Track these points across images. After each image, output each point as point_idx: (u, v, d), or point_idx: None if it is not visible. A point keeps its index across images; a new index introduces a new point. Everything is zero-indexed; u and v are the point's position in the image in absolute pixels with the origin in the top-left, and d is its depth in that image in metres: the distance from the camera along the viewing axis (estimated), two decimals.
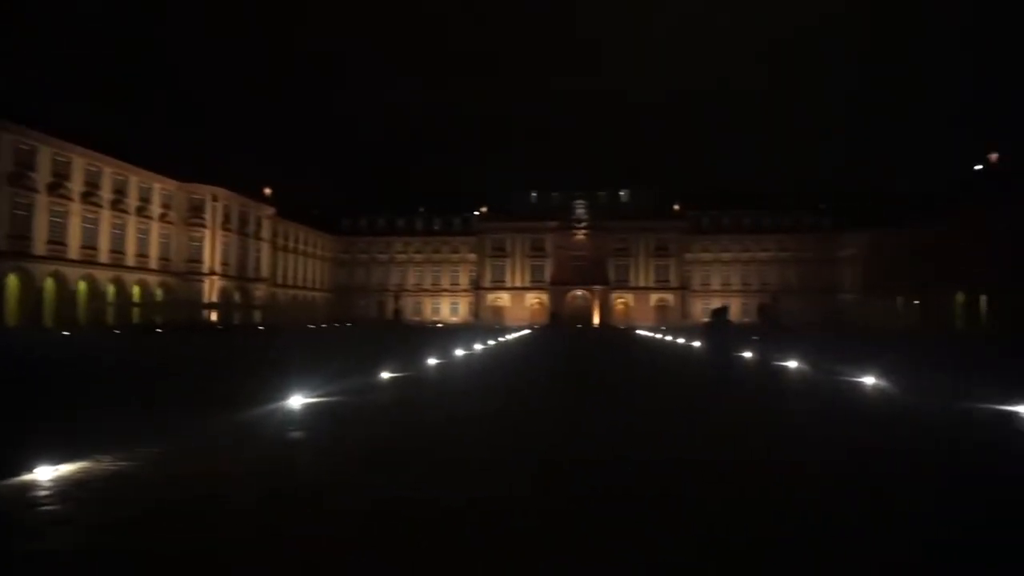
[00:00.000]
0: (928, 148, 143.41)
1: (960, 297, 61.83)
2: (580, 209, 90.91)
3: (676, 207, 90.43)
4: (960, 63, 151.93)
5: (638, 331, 61.83)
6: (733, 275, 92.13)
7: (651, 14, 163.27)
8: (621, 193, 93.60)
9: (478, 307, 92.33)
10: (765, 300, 60.72)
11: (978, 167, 62.89)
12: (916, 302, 68.85)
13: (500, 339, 38.82)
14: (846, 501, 5.40)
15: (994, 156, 61.43)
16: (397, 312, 74.02)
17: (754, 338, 14.71)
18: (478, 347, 28.51)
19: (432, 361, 19.56)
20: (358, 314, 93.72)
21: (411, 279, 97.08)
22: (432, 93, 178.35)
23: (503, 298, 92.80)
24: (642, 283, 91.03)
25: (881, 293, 75.50)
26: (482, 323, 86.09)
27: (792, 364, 18.38)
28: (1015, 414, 9.70)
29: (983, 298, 58.59)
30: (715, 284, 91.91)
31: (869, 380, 13.98)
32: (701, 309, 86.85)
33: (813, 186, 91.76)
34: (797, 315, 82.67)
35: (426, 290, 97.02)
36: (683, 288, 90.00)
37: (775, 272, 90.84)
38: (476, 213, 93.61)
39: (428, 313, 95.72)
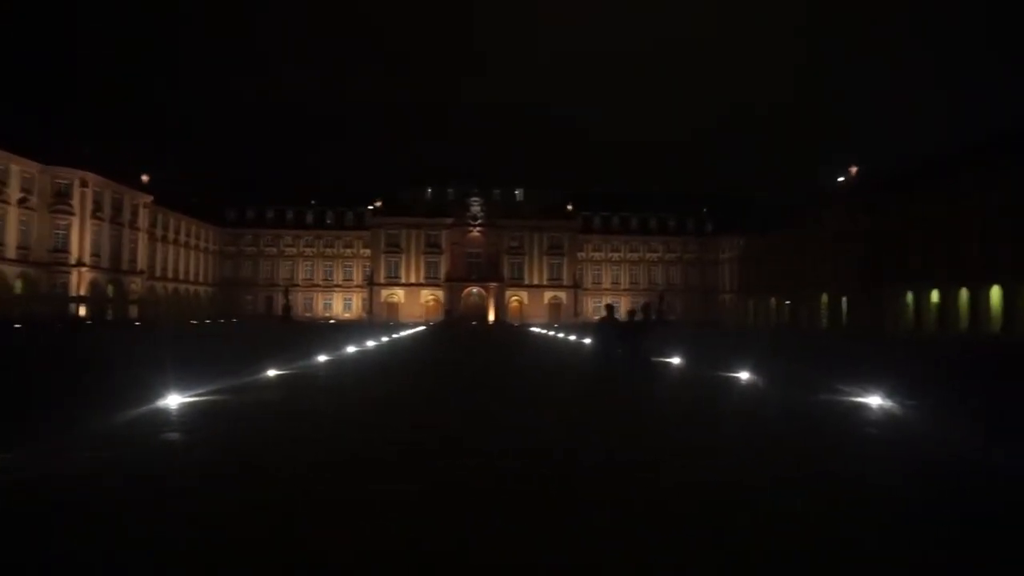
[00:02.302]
0: (801, 158, 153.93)
1: (824, 298, 66.93)
2: (476, 207, 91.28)
3: (569, 207, 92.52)
4: (839, 79, 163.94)
5: (532, 328, 62.84)
6: (622, 274, 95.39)
7: (537, 24, 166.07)
8: (516, 192, 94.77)
9: (372, 303, 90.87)
10: (648, 300, 63.50)
11: (840, 179, 68.20)
12: (787, 302, 73.87)
13: (394, 336, 38.42)
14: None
15: (854, 169, 66.85)
16: (286, 308, 71.56)
17: (636, 335, 15.42)
18: (370, 344, 28.12)
19: (322, 358, 19.13)
20: (245, 310, 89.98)
21: (301, 274, 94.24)
22: (328, 83, 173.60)
23: (398, 294, 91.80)
24: (536, 281, 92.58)
25: (756, 294, 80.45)
26: (376, 320, 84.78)
27: (672, 360, 19.34)
28: (862, 405, 10.67)
29: (844, 299, 63.77)
30: (606, 283, 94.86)
31: (738, 375, 14.97)
32: (592, 307, 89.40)
33: (696, 192, 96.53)
34: (681, 313, 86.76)
35: (317, 285, 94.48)
36: (575, 286, 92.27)
37: (661, 272, 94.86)
38: (370, 207, 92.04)
39: (320, 309, 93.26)
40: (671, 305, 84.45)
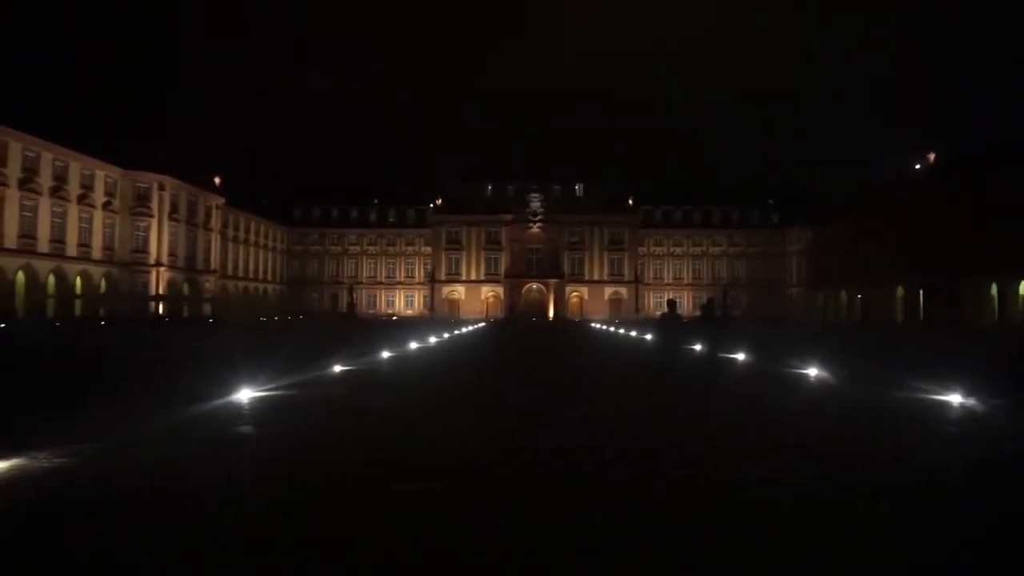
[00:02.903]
0: (872, 145, 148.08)
1: (899, 291, 64.18)
2: (535, 202, 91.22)
3: (629, 202, 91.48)
4: (905, 64, 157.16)
5: (592, 324, 62.47)
6: (684, 269, 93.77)
7: (598, 8, 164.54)
8: (576, 187, 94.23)
9: (433, 300, 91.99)
10: (713, 295, 62.27)
11: (917, 166, 65.16)
12: (859, 296, 71.19)
13: (455, 332, 38.79)
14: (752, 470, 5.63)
15: (932, 156, 63.73)
16: (351, 305, 73.17)
17: (702, 331, 15.14)
18: (432, 340, 28.47)
19: (385, 354, 19.47)
20: (311, 307, 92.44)
21: (365, 271, 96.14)
22: (386, 82, 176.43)
23: (458, 291, 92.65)
24: (596, 277, 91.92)
25: (826, 287, 77.82)
26: (437, 316, 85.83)
27: (739, 356, 18.88)
28: (942, 403, 10.18)
29: (920, 291, 60.96)
30: (667, 278, 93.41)
31: (808, 371, 14.49)
32: (654, 302, 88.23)
33: (762, 182, 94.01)
34: (746, 309, 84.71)
35: (380, 283, 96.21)
36: (636, 282, 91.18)
37: (725, 267, 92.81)
38: (431, 205, 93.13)
39: (383, 306, 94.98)
40: (736, 300, 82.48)
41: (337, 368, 15.03)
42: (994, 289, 53.40)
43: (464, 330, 43.19)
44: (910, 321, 60.31)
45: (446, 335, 34.10)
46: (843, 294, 74.17)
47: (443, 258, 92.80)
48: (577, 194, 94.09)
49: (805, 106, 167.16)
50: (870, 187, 71.28)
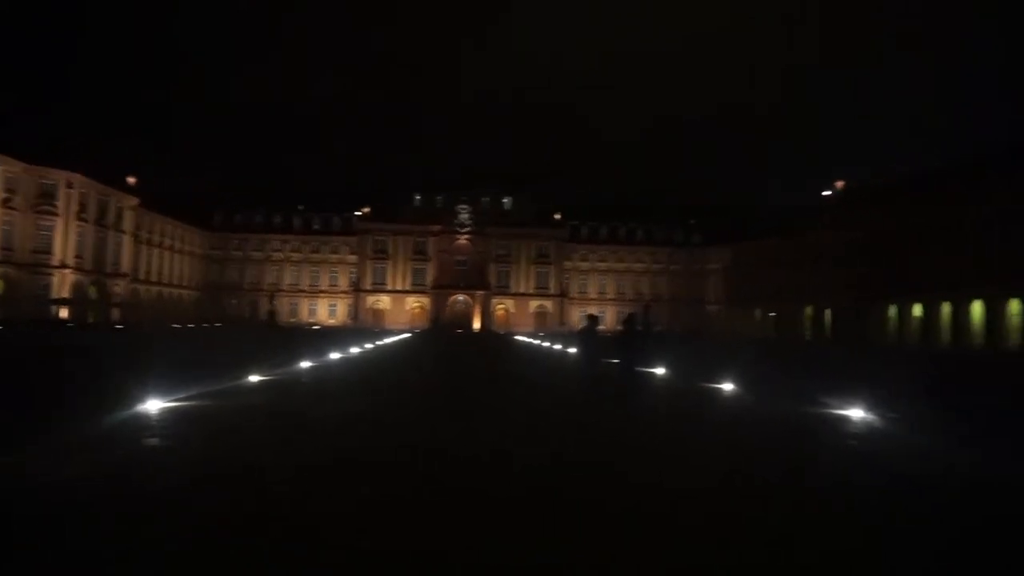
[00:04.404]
0: (790, 171, 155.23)
1: (808, 310, 67.42)
2: (464, 213, 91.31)
3: (557, 216, 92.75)
4: (825, 91, 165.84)
5: (517, 336, 62.84)
6: (609, 284, 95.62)
7: (526, 25, 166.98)
8: (505, 200, 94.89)
9: (357, 309, 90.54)
10: (634, 310, 63.88)
11: (826, 192, 68.80)
12: (772, 314, 74.34)
13: (378, 343, 38.26)
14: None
15: (840, 183, 67.47)
16: (271, 313, 71.15)
17: (622, 346, 15.54)
18: (355, 350, 28.00)
19: (304, 364, 19.02)
20: (230, 314, 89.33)
21: (287, 279, 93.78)
22: (324, 89, 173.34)
23: (383, 301, 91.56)
24: (522, 289, 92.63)
25: (742, 305, 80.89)
26: (361, 326, 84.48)
27: (656, 371, 19.39)
28: (842, 417, 10.75)
29: (827, 311, 64.28)
30: (592, 292, 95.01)
31: (719, 385, 15.03)
32: (579, 316, 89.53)
33: (685, 202, 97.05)
34: (667, 324, 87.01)
35: (303, 291, 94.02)
36: (562, 295, 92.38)
37: (648, 282, 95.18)
38: (358, 213, 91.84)
39: (305, 314, 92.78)
40: (657, 316, 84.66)
41: (254, 378, 14.58)
42: (893, 311, 56.84)
43: (387, 341, 42.66)
44: (819, 338, 63.36)
45: (369, 345, 33.60)
46: (757, 312, 77.26)
47: (369, 267, 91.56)
48: (506, 207, 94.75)
49: (737, 129, 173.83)
50: (785, 211, 74.79)
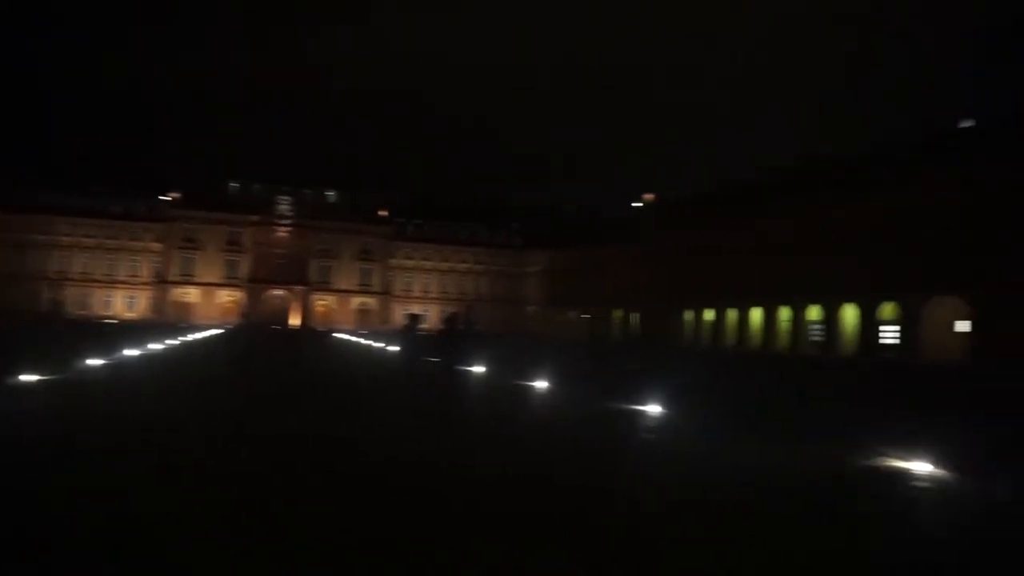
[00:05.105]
0: (608, 180, 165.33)
1: (618, 313, 72.38)
2: (284, 205, 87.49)
3: (383, 212, 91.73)
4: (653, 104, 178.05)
5: (338, 334, 61.37)
6: (433, 283, 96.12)
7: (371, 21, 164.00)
8: (329, 193, 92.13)
9: (162, 303, 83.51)
10: (457, 309, 65.07)
11: (636, 204, 74.31)
12: (585, 316, 78.88)
13: (179, 339, 35.61)
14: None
15: (649, 196, 73.15)
16: (56, 304, 63.45)
17: (442, 344, 15.93)
18: (154, 347, 25.92)
19: (92, 362, 17.35)
20: (4, 305, 78.53)
21: (77, 267, 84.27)
22: (160, 70, 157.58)
23: (192, 294, 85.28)
24: (345, 286, 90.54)
25: (558, 306, 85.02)
26: (165, 320, 78.01)
27: (474, 369, 19.97)
28: (639, 412, 11.83)
29: (633, 315, 69.50)
30: (416, 291, 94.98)
31: (536, 384, 15.87)
32: (401, 314, 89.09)
33: (509, 205, 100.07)
34: (488, 324, 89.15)
35: (97, 280, 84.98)
36: (386, 293, 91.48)
37: (471, 282, 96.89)
38: (166, 198, 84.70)
39: (98, 307, 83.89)
40: (479, 315, 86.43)
41: (25, 377, 13.12)
42: (690, 315, 62.70)
43: (192, 337, 39.84)
44: (627, 340, 68.22)
45: (169, 342, 31.24)
46: (572, 314, 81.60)
47: (176, 257, 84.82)
48: (330, 200, 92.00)
49: (565, 137, 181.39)
50: (602, 218, 79.77)
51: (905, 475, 7.44)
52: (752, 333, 55.42)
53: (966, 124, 45.49)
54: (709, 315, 60.52)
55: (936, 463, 7.71)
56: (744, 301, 55.77)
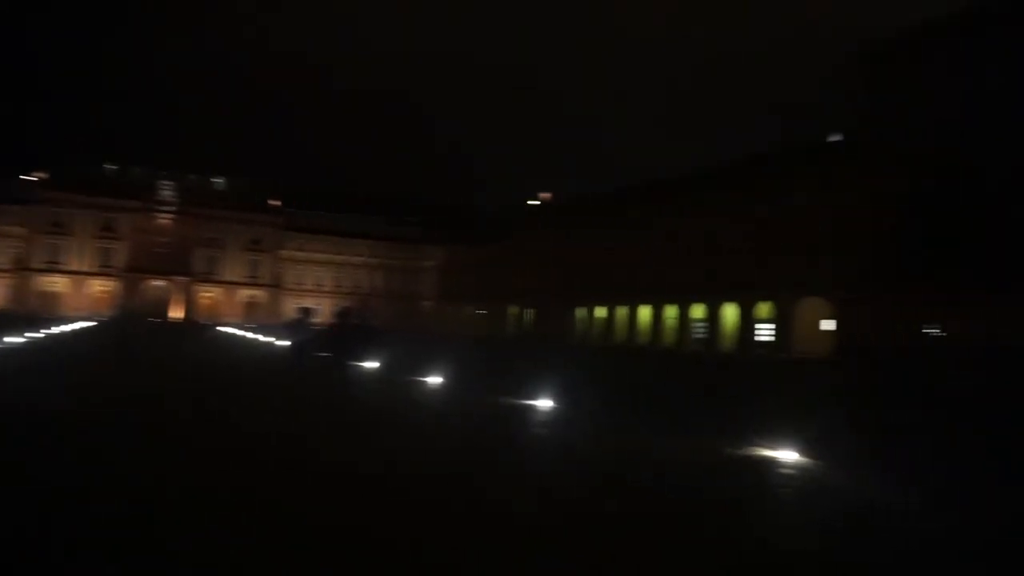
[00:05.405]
0: (508, 177, 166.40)
1: (514, 309, 73.23)
2: (167, 191, 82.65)
3: (275, 202, 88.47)
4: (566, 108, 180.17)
5: (223, 328, 58.71)
6: (327, 276, 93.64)
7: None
8: (216, 180, 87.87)
9: (23, 292, 76.91)
10: (351, 304, 63.60)
11: (533, 202, 75.45)
12: (481, 311, 79.31)
13: (41, 333, 32.99)
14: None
15: (546, 195, 74.50)
16: None
17: (335, 339, 15.58)
18: (11, 340, 23.91)
19: None
20: None
21: None
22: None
23: (59, 283, 79.06)
24: (232, 277, 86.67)
25: (454, 302, 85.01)
26: (28, 311, 71.93)
27: (366, 365, 19.68)
28: (530, 407, 12.07)
29: (527, 311, 70.55)
30: (309, 284, 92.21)
31: (429, 380, 15.84)
32: (292, 308, 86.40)
33: (406, 199, 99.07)
34: (383, 319, 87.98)
35: None
36: (276, 286, 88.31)
37: (366, 276, 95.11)
38: (31, 178, 77.98)
39: None
40: (375, 310, 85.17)
41: None
42: (582, 313, 64.34)
43: (58, 330, 36.99)
44: (521, 335, 69.15)
45: (32, 335, 28.90)
46: (468, 309, 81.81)
47: (40, 243, 78.34)
48: (217, 188, 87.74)
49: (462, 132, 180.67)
50: (498, 216, 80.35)
51: (771, 462, 8.01)
52: (641, 330, 57.54)
53: (834, 138, 49.09)
54: (601, 312, 62.33)
55: (801, 451, 8.36)
56: (633, 299, 57.81)
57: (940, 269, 35.74)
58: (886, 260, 38.71)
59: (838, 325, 42.53)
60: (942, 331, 37.32)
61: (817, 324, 44.40)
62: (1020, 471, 8.75)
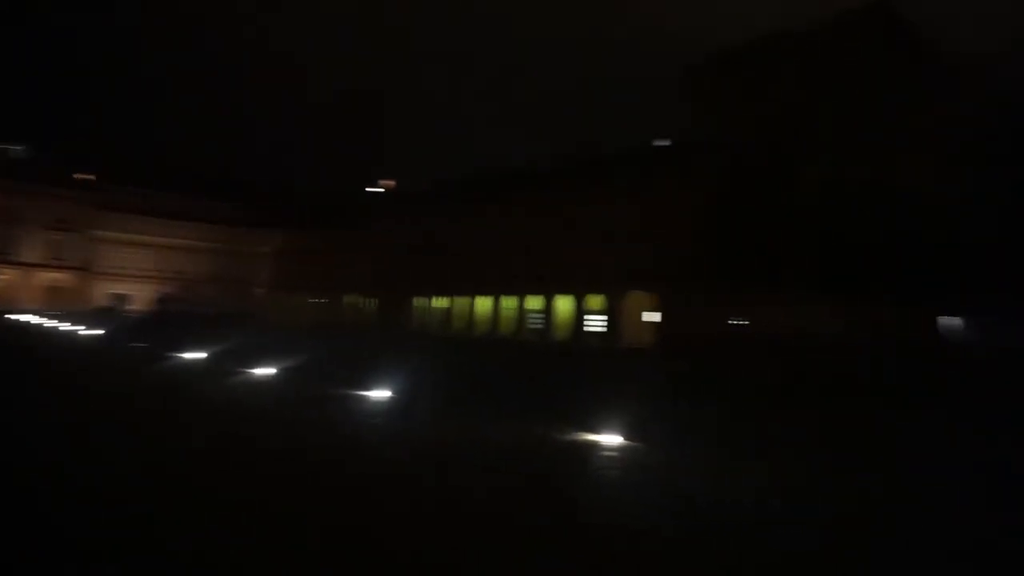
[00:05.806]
0: (352, 163, 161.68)
1: (352, 298, 71.81)
2: None
3: (87, 176, 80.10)
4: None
5: (18, 316, 52.38)
6: (147, 260, 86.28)
7: None
8: (13, 148, 77.97)
9: None
10: (173, 290, 59.54)
11: (373, 189, 74.24)
12: (317, 300, 76.95)
13: None
14: None
15: (390, 183, 73.55)
16: None
17: (154, 328, 14.39)
18: None
19: None
20: None
21: None
22: None
23: None
24: (32, 259, 77.46)
25: (289, 289, 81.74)
26: None
27: (186, 355, 18.55)
28: (363, 396, 12.01)
29: (364, 299, 69.65)
30: (128, 268, 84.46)
31: (258, 371, 15.24)
32: (107, 294, 78.95)
33: (238, 180, 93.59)
34: (211, 306, 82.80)
35: None
36: (86, 269, 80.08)
37: (192, 261, 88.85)
38: None
39: None
40: (201, 297, 79.92)
41: None
42: (422, 302, 64.43)
43: None
44: (361, 325, 67.93)
45: None
46: (303, 297, 79.03)
47: None
48: (13, 156, 77.91)
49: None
50: (337, 201, 78.16)
51: (594, 445, 8.62)
52: (479, 320, 58.60)
53: (661, 143, 52.65)
54: (440, 303, 62.72)
55: (625, 435, 9.06)
56: (472, 290, 58.75)
57: (750, 266, 39.59)
58: (702, 257, 42.26)
59: (662, 317, 45.83)
60: (749, 323, 41.39)
61: (640, 316, 47.56)
62: (794, 439, 10.03)
